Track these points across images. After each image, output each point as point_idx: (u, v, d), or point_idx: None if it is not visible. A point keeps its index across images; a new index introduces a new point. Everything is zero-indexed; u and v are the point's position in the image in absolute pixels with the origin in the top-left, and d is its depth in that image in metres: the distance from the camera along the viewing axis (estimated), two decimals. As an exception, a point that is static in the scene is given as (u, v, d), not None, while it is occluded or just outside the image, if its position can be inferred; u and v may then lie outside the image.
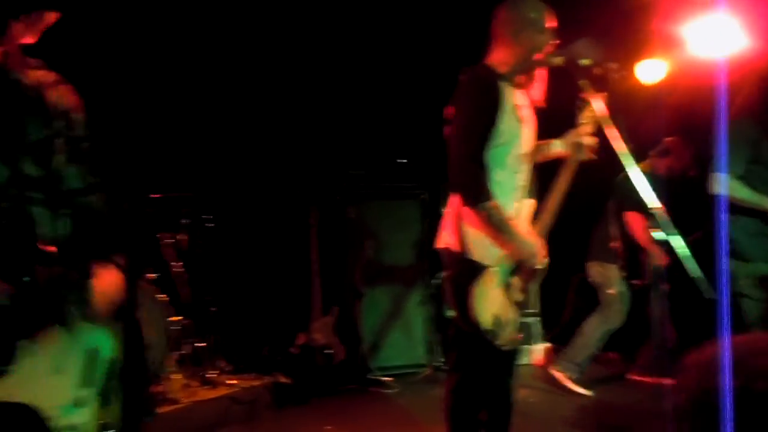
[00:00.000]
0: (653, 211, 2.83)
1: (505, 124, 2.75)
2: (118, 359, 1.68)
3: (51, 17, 1.65)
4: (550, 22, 2.86)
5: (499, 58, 2.85)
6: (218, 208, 5.09)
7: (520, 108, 2.84)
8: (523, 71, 2.86)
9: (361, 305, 5.59)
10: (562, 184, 2.88)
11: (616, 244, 4.91)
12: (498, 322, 2.73)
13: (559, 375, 4.88)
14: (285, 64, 5.48)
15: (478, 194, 2.67)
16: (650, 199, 2.82)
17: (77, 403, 1.65)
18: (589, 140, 2.91)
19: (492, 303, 2.72)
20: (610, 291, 4.89)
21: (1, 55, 1.65)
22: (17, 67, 1.68)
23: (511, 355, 2.88)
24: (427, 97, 5.56)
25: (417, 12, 5.02)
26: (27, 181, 1.64)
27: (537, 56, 2.84)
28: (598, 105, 2.88)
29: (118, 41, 4.08)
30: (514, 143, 2.79)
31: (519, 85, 2.87)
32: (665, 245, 2.75)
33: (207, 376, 4.50)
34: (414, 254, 5.76)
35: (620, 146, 2.83)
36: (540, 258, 2.80)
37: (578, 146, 2.91)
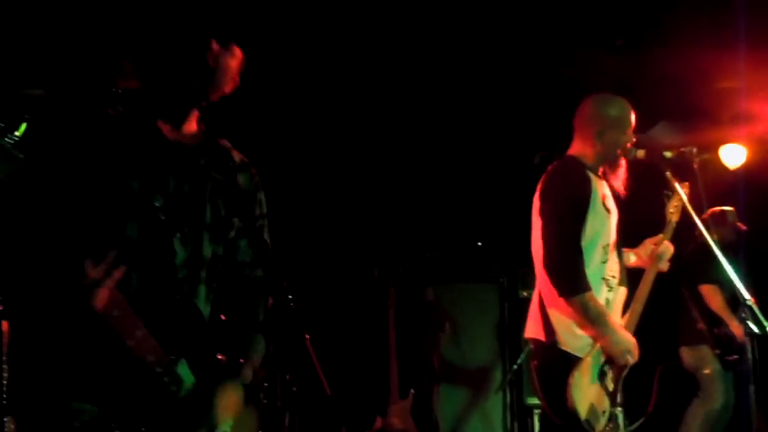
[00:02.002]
0: (747, 303, 2.76)
1: (594, 214, 2.77)
2: None
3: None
4: (632, 120, 2.91)
5: (582, 151, 2.90)
6: (297, 287, 5.19)
7: (605, 198, 2.87)
8: (605, 164, 2.91)
9: (439, 390, 5.53)
10: (642, 295, 2.89)
11: (701, 326, 4.77)
12: (594, 412, 2.69)
13: None
14: (366, 147, 5.65)
15: (575, 285, 2.67)
16: (742, 290, 2.75)
17: None
18: (668, 251, 2.93)
19: (588, 393, 2.68)
20: (706, 371, 4.74)
21: (197, 136, 1.76)
22: (209, 148, 1.79)
23: None
24: (504, 180, 5.63)
25: (495, 97, 5.14)
26: (201, 262, 1.73)
27: (620, 152, 2.88)
28: (682, 194, 2.88)
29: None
30: (603, 233, 2.80)
31: (602, 176, 2.92)
32: (759, 338, 2.66)
33: (285, 457, 4.51)
34: (492, 338, 5.70)
35: (706, 233, 2.80)
36: (635, 354, 2.76)
37: (658, 258, 2.93)
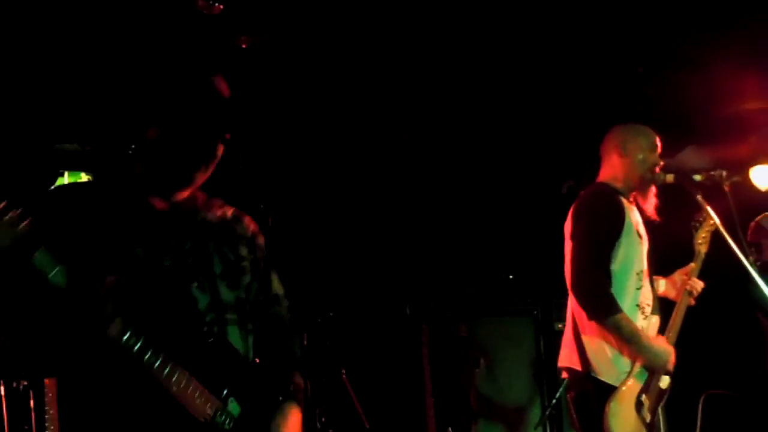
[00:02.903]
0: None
1: (627, 240, 2.76)
2: None
3: (219, 154, 1.84)
4: (657, 143, 2.93)
5: (612, 176, 2.91)
6: (331, 325, 5.20)
7: (637, 225, 2.87)
8: (636, 189, 2.91)
9: (477, 426, 5.45)
10: (676, 324, 2.88)
11: None
12: None
13: None
14: (397, 182, 5.68)
15: (607, 306, 2.66)
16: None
17: None
18: (698, 287, 2.92)
19: (626, 423, 2.65)
20: None
21: (189, 201, 1.86)
22: (203, 208, 1.90)
23: None
24: (533, 212, 5.61)
25: (522, 128, 5.16)
26: (223, 306, 1.81)
27: (650, 174, 2.89)
28: (715, 218, 2.86)
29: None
30: (636, 260, 2.80)
31: (633, 202, 2.92)
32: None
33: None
34: (529, 372, 5.62)
35: (743, 256, 2.77)
36: (672, 362, 2.74)
37: (687, 292, 2.91)
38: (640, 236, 2.85)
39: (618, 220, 2.76)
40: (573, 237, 2.80)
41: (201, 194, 1.91)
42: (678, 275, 3.00)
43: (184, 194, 1.85)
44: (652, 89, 4.32)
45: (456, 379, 5.59)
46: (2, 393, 3.60)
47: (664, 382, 2.81)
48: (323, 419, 4.85)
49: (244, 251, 1.92)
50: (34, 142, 4.35)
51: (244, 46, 3.42)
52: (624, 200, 2.85)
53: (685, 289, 2.93)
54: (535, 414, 5.54)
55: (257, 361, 1.90)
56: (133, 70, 3.65)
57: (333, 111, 4.74)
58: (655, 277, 3.04)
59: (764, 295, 2.71)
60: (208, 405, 1.69)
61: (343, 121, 4.86)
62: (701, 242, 2.96)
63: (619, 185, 2.90)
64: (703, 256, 3.01)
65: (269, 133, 4.50)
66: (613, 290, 2.70)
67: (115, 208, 1.75)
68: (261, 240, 2.02)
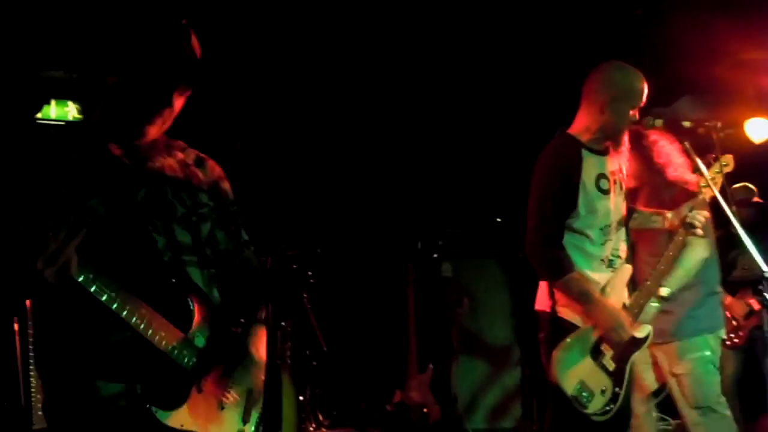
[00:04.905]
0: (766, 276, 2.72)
1: (586, 197, 2.72)
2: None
3: (178, 107, 1.83)
4: (643, 93, 2.81)
5: (585, 124, 2.82)
6: (317, 263, 5.23)
7: (606, 176, 2.79)
8: (608, 140, 2.82)
9: (457, 364, 5.55)
10: (670, 258, 2.82)
11: None
12: (585, 390, 2.65)
13: None
14: (387, 123, 5.64)
15: (554, 270, 2.67)
16: (761, 263, 2.71)
17: None
18: (701, 216, 2.84)
19: (576, 369, 2.65)
20: None
21: (148, 146, 1.85)
22: (162, 153, 1.89)
23: (610, 427, 2.76)
24: (525, 156, 5.58)
25: (516, 72, 5.09)
26: (180, 247, 1.82)
27: (624, 128, 2.80)
28: (703, 169, 2.83)
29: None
30: (598, 215, 2.75)
31: (604, 152, 2.83)
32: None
33: (305, 429, 4.57)
34: (511, 314, 5.69)
35: (731, 210, 2.76)
36: (626, 330, 2.71)
37: (690, 222, 2.83)
38: (605, 190, 2.78)
39: (570, 180, 2.68)
40: (530, 193, 2.78)
41: (162, 138, 1.90)
42: (683, 208, 2.93)
43: (146, 139, 1.84)
44: (650, 34, 4.23)
45: (439, 318, 5.66)
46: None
47: (642, 331, 2.80)
48: (307, 351, 4.93)
49: (204, 197, 1.91)
50: (19, 69, 4.26)
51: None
52: (588, 154, 2.76)
53: (686, 220, 2.82)
54: (515, 354, 5.64)
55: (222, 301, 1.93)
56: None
57: (316, 60, 4.66)
58: (661, 210, 2.99)
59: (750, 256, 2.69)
60: (174, 339, 1.72)
61: (330, 67, 4.78)
62: (704, 185, 2.89)
63: (588, 134, 2.78)
64: (706, 200, 2.91)
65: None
66: (575, 246, 2.68)
67: (73, 154, 1.76)
68: (226, 185, 2.00)
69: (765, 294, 2.59)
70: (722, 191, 2.83)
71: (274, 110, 4.97)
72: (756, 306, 4.59)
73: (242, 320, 1.92)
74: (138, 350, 1.68)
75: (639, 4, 4.15)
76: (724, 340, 4.62)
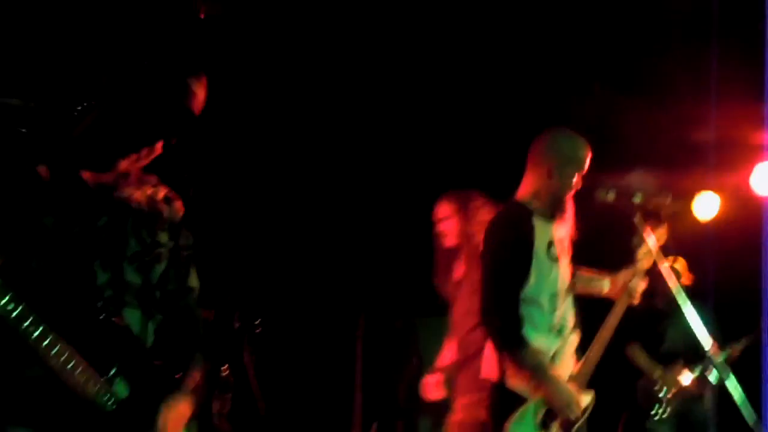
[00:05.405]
0: (708, 354, 2.76)
1: (538, 266, 2.73)
2: None
3: (158, 149, 1.82)
4: (587, 160, 2.86)
5: (533, 189, 2.84)
6: (265, 313, 5.13)
7: (554, 244, 2.82)
8: (556, 204, 2.85)
9: (403, 424, 5.46)
10: (610, 325, 2.86)
11: None
12: None
13: None
14: (338, 174, 5.63)
15: (508, 341, 2.65)
16: (704, 338, 2.75)
17: None
18: (641, 285, 2.90)
19: None
20: None
21: (114, 178, 1.82)
22: (132, 186, 1.85)
23: None
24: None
25: (465, 135, 5.17)
26: (125, 286, 1.78)
27: (569, 196, 2.84)
28: (653, 242, 2.88)
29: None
30: (549, 282, 2.76)
31: (553, 217, 2.86)
32: (719, 389, 2.67)
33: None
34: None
35: (673, 282, 2.81)
36: (577, 409, 2.72)
37: (630, 291, 2.89)
38: (554, 259, 2.81)
39: (525, 249, 2.69)
40: (482, 261, 2.80)
41: (136, 171, 1.87)
42: (622, 275, 2.97)
43: (117, 168, 1.81)
44: (605, 108, 4.37)
45: (388, 375, 5.58)
46: None
47: (586, 399, 2.81)
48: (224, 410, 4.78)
49: (164, 237, 1.89)
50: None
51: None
52: (538, 221, 2.79)
53: (626, 288, 2.89)
54: (461, 416, 5.58)
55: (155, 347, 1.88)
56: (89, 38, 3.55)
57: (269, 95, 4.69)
58: (599, 275, 3.02)
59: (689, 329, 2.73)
60: (91, 382, 1.67)
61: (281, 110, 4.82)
62: (641, 258, 2.96)
63: (537, 203, 2.81)
64: (642, 272, 2.98)
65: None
66: (525, 315, 2.69)
67: (39, 169, 1.72)
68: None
69: (707, 371, 2.62)
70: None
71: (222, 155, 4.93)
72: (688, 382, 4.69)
73: (172, 386, 1.86)
74: (53, 388, 1.62)
75: (596, 79, 4.29)
76: (652, 413, 4.70)
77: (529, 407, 2.67)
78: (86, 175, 1.79)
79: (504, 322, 2.65)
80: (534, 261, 2.71)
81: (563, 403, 2.67)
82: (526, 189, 2.85)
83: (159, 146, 1.80)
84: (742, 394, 2.71)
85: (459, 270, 3.51)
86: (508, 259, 2.71)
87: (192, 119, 1.82)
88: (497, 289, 2.69)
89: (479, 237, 3.00)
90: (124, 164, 1.78)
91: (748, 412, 2.67)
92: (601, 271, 3.04)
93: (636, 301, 2.90)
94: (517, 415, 2.64)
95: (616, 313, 2.86)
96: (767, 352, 3.26)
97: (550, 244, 2.79)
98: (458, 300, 3.50)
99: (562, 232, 2.86)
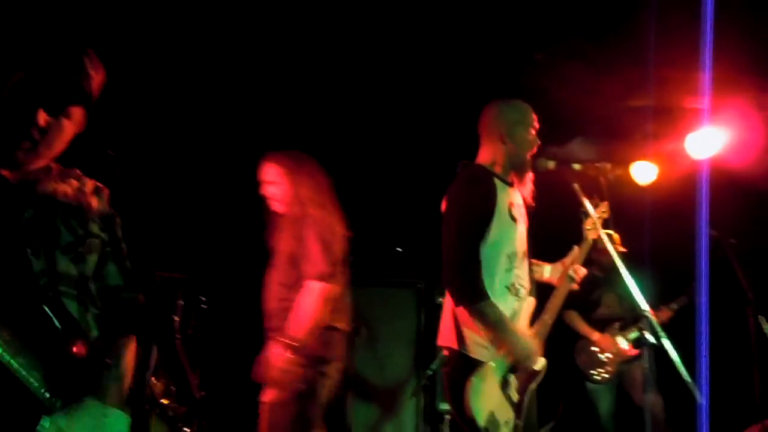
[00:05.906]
0: (645, 314, 2.84)
1: (499, 223, 2.79)
2: None
3: (41, 121, 1.75)
4: (534, 120, 2.95)
5: (491, 157, 2.92)
6: (213, 290, 5.07)
7: (513, 207, 2.89)
8: (514, 170, 2.93)
9: (352, 395, 5.49)
10: (554, 307, 2.93)
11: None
12: (494, 421, 2.69)
13: None
14: (287, 137, 5.57)
15: (472, 294, 2.69)
16: (640, 302, 2.83)
17: None
18: (579, 273, 2.99)
19: (488, 400, 2.69)
20: None
21: (40, 171, 1.79)
22: (55, 180, 1.83)
23: None
24: (424, 185, 5.64)
25: (417, 106, 5.16)
26: (59, 276, 1.75)
27: (528, 155, 2.92)
28: (590, 209, 2.94)
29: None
30: (507, 242, 2.83)
31: (511, 184, 2.94)
32: (656, 350, 2.76)
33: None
34: (408, 344, 5.70)
35: (612, 249, 2.87)
36: (536, 358, 2.79)
37: (570, 278, 2.97)
38: (513, 219, 2.88)
39: (488, 206, 2.78)
40: (445, 222, 2.82)
41: (56, 165, 1.85)
42: (563, 261, 3.07)
43: (32, 166, 1.77)
44: (546, 76, 4.40)
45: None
46: None
47: (539, 364, 2.87)
48: (195, 382, 4.74)
49: (95, 228, 1.86)
50: None
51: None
52: (499, 182, 2.87)
53: (567, 274, 2.97)
54: (411, 385, 5.64)
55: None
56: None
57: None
58: (539, 262, 3.09)
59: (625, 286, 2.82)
60: (35, 369, 1.64)
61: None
62: (590, 228, 3.03)
63: (497, 167, 2.90)
64: (590, 242, 3.07)
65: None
66: (483, 272, 2.74)
67: None
68: (118, 219, 1.96)
69: (644, 332, 2.70)
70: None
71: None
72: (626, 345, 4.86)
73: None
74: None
75: (538, 48, 4.31)
76: (592, 375, 4.85)
77: (490, 365, 2.71)
78: (5, 172, 1.75)
79: (467, 276, 2.69)
80: (495, 218, 2.76)
81: (524, 354, 2.74)
82: (483, 158, 2.92)
83: (41, 117, 1.73)
84: (678, 355, 2.80)
85: (281, 238, 3.38)
86: (472, 213, 2.76)
87: (84, 97, 1.75)
88: (460, 244, 2.72)
89: (309, 207, 3.00)
90: (21, 156, 1.74)
91: (684, 372, 2.76)
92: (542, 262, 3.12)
93: (577, 287, 2.99)
94: (477, 374, 2.68)
95: (558, 296, 2.94)
96: (701, 314, 3.37)
97: (511, 204, 2.85)
98: (275, 268, 3.40)
99: (518, 198, 2.93)
